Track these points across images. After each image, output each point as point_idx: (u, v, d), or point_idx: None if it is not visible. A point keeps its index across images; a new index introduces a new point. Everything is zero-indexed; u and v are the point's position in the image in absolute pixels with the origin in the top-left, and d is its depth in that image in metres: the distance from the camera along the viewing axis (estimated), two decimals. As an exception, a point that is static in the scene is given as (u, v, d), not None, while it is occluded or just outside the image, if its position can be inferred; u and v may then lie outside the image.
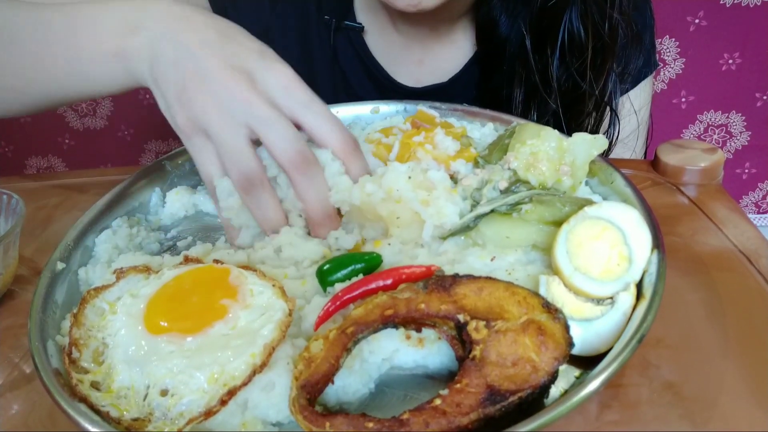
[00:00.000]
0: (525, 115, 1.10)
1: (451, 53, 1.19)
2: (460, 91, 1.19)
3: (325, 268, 0.66)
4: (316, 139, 0.72)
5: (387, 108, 0.99)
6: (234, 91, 0.66)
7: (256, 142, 0.70)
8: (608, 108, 1.11)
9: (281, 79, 0.69)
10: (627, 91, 1.16)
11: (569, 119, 1.09)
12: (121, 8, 0.76)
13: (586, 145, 0.74)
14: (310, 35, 1.20)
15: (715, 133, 2.37)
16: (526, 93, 1.10)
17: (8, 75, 0.85)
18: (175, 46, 0.69)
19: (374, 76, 1.21)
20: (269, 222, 0.72)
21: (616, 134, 1.15)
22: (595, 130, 1.13)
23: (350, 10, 1.20)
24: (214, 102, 0.66)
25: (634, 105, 1.18)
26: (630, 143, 1.19)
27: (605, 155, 1.14)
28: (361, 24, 1.18)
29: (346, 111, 1.00)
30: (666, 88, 2.27)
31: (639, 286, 0.61)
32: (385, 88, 1.21)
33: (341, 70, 1.21)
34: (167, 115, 0.71)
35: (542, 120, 1.09)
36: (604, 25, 1.03)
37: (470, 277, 0.59)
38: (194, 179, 0.90)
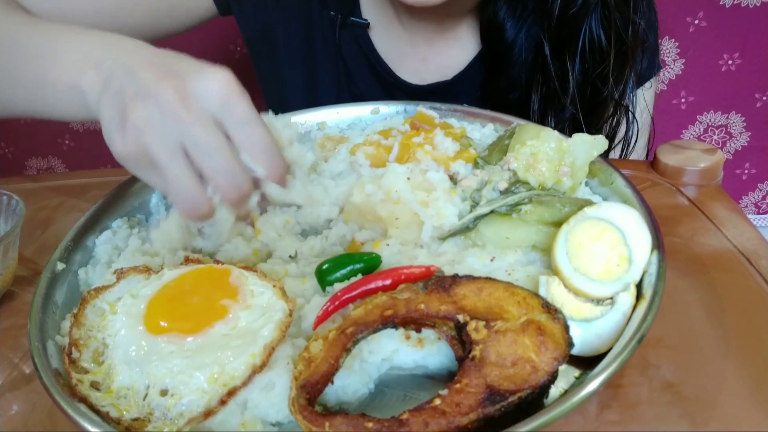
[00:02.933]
0: (542, 121, 1.11)
1: (455, 51, 1.19)
2: (464, 89, 1.19)
3: (324, 267, 0.66)
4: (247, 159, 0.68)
5: (387, 109, 0.99)
6: (167, 109, 0.61)
7: None
8: (622, 111, 1.11)
9: (218, 90, 0.63)
10: (632, 91, 1.17)
11: (589, 125, 1.09)
12: (90, 42, 0.75)
13: (586, 145, 0.74)
14: (314, 31, 1.20)
15: (714, 134, 2.37)
16: (543, 100, 1.10)
17: None
18: (124, 74, 0.65)
19: (378, 73, 1.21)
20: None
21: (634, 137, 1.15)
22: (613, 134, 1.14)
23: (356, 6, 1.19)
24: (149, 123, 0.61)
25: (638, 106, 1.18)
26: (629, 150, 1.19)
27: (622, 157, 1.15)
28: (366, 20, 1.18)
29: (346, 112, 1.00)
30: (666, 88, 2.27)
31: (639, 286, 0.61)
32: (389, 85, 1.21)
33: (345, 66, 1.21)
34: (109, 145, 0.65)
35: (559, 126, 1.09)
36: (627, 29, 1.03)
37: (470, 278, 0.59)
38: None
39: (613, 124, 1.13)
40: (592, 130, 1.09)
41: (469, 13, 1.15)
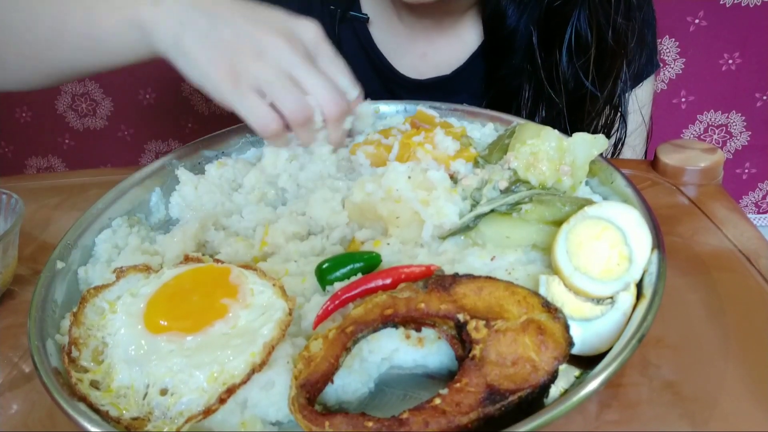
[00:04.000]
0: (533, 113, 1.11)
1: (454, 47, 1.19)
2: (463, 84, 1.19)
3: (324, 266, 0.66)
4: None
5: (387, 108, 0.99)
6: (279, 49, 0.73)
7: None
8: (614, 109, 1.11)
9: (312, 35, 0.77)
10: (630, 89, 1.17)
11: (574, 120, 1.09)
12: None
13: (586, 144, 0.74)
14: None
15: (715, 133, 2.36)
16: (534, 90, 1.10)
17: (27, 43, 0.85)
18: (207, 17, 0.73)
19: (378, 68, 1.21)
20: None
21: (623, 137, 1.15)
22: (606, 134, 1.14)
23: (355, 0, 1.20)
24: (262, 58, 0.72)
25: (638, 103, 1.18)
26: (632, 142, 1.19)
27: (613, 157, 1.15)
28: (366, 15, 1.18)
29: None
30: (666, 88, 2.27)
31: (639, 285, 0.61)
32: (388, 79, 1.21)
33: (345, 60, 1.21)
34: (206, 81, 0.73)
35: (549, 117, 1.09)
36: (608, 29, 1.04)
37: (470, 277, 0.59)
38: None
39: (606, 122, 1.13)
40: (579, 126, 1.09)
41: (469, 9, 1.15)
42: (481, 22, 1.16)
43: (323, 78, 0.75)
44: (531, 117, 1.10)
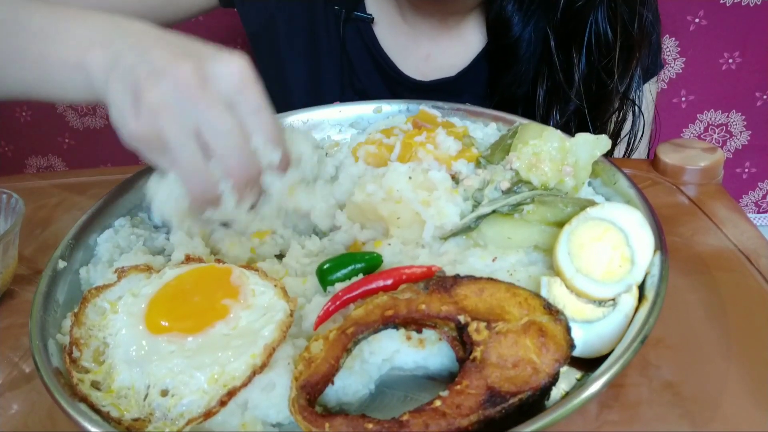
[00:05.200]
0: (547, 115, 1.11)
1: (459, 48, 1.19)
2: (468, 86, 1.19)
3: (325, 267, 0.66)
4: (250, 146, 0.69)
5: (389, 107, 0.99)
6: (184, 90, 0.62)
7: None
8: (628, 105, 1.11)
9: (235, 75, 0.65)
10: (638, 87, 1.17)
11: (594, 118, 1.09)
12: (96, 21, 0.75)
13: (588, 145, 0.74)
14: (318, 25, 1.20)
15: (715, 133, 2.36)
16: (548, 93, 1.10)
17: None
18: (136, 54, 0.66)
19: (382, 68, 1.21)
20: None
21: (641, 131, 1.15)
22: (619, 130, 1.14)
23: (360, 1, 1.19)
24: (165, 105, 0.62)
25: (645, 100, 1.18)
26: (635, 144, 1.19)
27: (628, 151, 1.15)
28: (371, 15, 1.18)
29: (348, 111, 0.99)
30: (666, 87, 2.26)
31: (641, 287, 0.61)
32: (392, 80, 1.21)
33: (349, 60, 1.21)
34: (119, 127, 0.66)
35: (564, 119, 1.10)
36: (634, 22, 1.03)
37: (471, 278, 0.59)
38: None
39: (619, 119, 1.13)
40: (597, 123, 1.10)
41: (474, 10, 1.15)
42: (485, 25, 1.16)
43: (235, 139, 0.64)
44: (545, 121, 1.10)
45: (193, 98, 0.62)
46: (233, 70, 0.64)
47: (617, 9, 1.03)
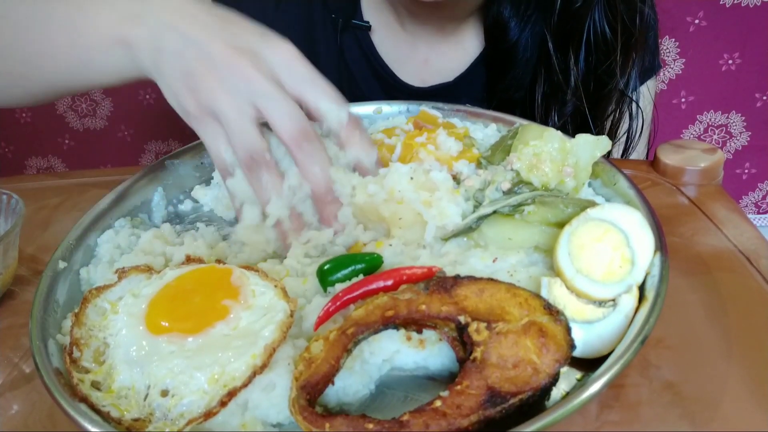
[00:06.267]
0: (546, 117, 1.11)
1: (457, 53, 1.19)
2: (466, 91, 1.19)
3: (325, 267, 0.66)
4: (315, 115, 0.73)
5: (390, 108, 0.99)
6: (238, 70, 0.68)
7: (266, 125, 0.71)
8: (629, 103, 1.11)
9: (283, 56, 0.70)
10: (635, 88, 1.17)
11: (594, 117, 1.10)
12: (121, 1, 0.76)
13: (589, 146, 0.74)
14: (316, 33, 1.20)
15: (715, 134, 2.37)
16: (546, 96, 1.10)
17: (13, 61, 0.85)
18: (178, 37, 0.70)
19: (380, 75, 1.21)
20: (268, 200, 0.73)
21: (639, 131, 1.15)
22: (616, 128, 1.14)
23: (357, 9, 1.19)
24: (220, 84, 0.68)
25: (644, 98, 1.18)
26: (632, 143, 1.19)
27: (626, 150, 1.15)
28: (368, 22, 1.18)
29: (348, 111, 0.99)
30: (666, 88, 2.27)
31: (641, 288, 0.61)
32: (390, 87, 1.21)
33: (347, 68, 1.21)
34: (175, 104, 0.72)
35: (562, 121, 1.09)
36: (634, 19, 1.03)
37: (471, 279, 0.59)
38: (196, 179, 0.91)
39: (615, 119, 1.13)
40: (597, 123, 1.09)
41: (471, 15, 1.15)
42: (482, 30, 1.16)
43: (289, 105, 0.69)
44: (543, 123, 1.10)
45: (248, 78, 0.67)
46: (282, 51, 0.70)
47: (617, 7, 1.03)
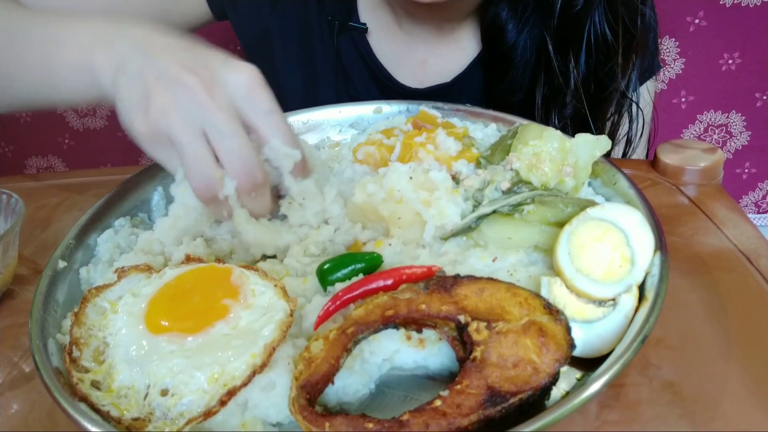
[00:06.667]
0: (546, 120, 1.11)
1: (455, 53, 1.19)
2: (464, 91, 1.19)
3: (325, 267, 0.66)
4: (268, 151, 0.71)
5: (389, 108, 0.99)
6: (193, 95, 0.65)
7: None
8: (629, 104, 1.11)
9: (244, 83, 0.67)
10: (635, 89, 1.17)
11: (594, 119, 1.09)
12: (98, 25, 0.76)
13: (588, 146, 0.74)
14: (312, 36, 1.20)
15: (715, 133, 2.37)
16: (546, 99, 1.10)
17: None
18: (140, 58, 0.68)
19: (377, 77, 1.21)
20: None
21: (639, 132, 1.15)
22: (616, 130, 1.14)
23: (353, 10, 1.19)
24: (174, 106, 0.65)
25: (642, 99, 1.18)
26: (632, 144, 1.19)
27: (626, 153, 1.15)
28: (365, 24, 1.18)
29: (348, 111, 1.00)
30: (666, 88, 2.27)
31: (641, 287, 0.61)
32: (387, 89, 1.21)
33: (344, 70, 1.21)
34: (127, 125, 0.68)
35: (562, 124, 1.10)
36: (635, 20, 1.03)
37: (471, 278, 0.59)
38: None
39: (615, 120, 1.13)
40: (597, 125, 1.09)
41: (469, 15, 1.15)
42: (480, 30, 1.16)
43: (240, 143, 0.66)
44: (544, 124, 1.10)
45: (201, 102, 0.64)
46: (242, 77, 0.67)
47: (617, 9, 1.03)
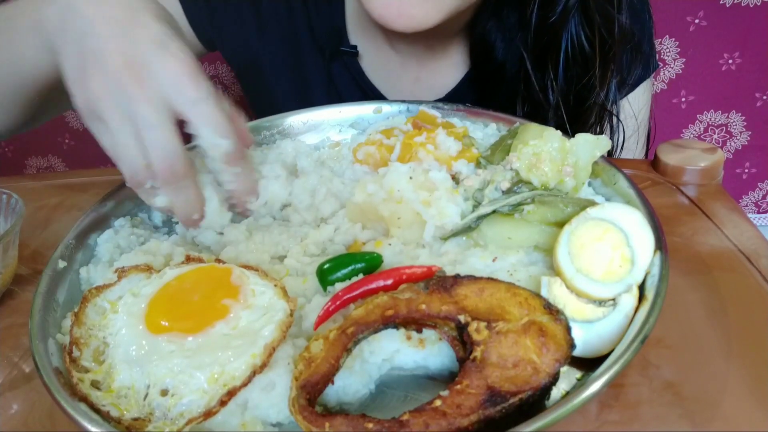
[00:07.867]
0: None
1: (447, 69, 1.19)
2: None
3: (325, 267, 0.66)
4: (199, 141, 0.70)
5: (389, 108, 0.99)
6: (123, 84, 0.65)
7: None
8: (609, 115, 1.10)
9: (174, 72, 0.66)
10: (626, 94, 1.16)
11: (574, 133, 1.09)
12: None
13: (589, 145, 0.74)
14: (304, 61, 1.20)
15: (715, 133, 2.36)
16: (528, 111, 1.09)
17: None
18: (81, 20, 0.68)
19: (370, 99, 1.20)
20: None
21: (621, 140, 1.14)
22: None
23: (343, 32, 1.19)
24: (106, 90, 0.66)
25: (633, 108, 1.17)
26: (630, 146, 1.19)
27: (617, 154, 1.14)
28: (355, 47, 1.17)
29: (348, 111, 1.00)
30: (666, 88, 2.27)
31: (641, 287, 0.61)
32: None
33: (338, 93, 1.21)
34: (69, 93, 0.69)
35: None
36: (612, 30, 1.02)
37: (471, 278, 0.59)
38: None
39: (596, 131, 1.12)
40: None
41: (459, 32, 1.15)
42: (470, 45, 1.15)
43: (164, 136, 0.65)
44: None
45: (129, 92, 0.65)
46: (172, 66, 0.66)
47: (593, 19, 1.01)
